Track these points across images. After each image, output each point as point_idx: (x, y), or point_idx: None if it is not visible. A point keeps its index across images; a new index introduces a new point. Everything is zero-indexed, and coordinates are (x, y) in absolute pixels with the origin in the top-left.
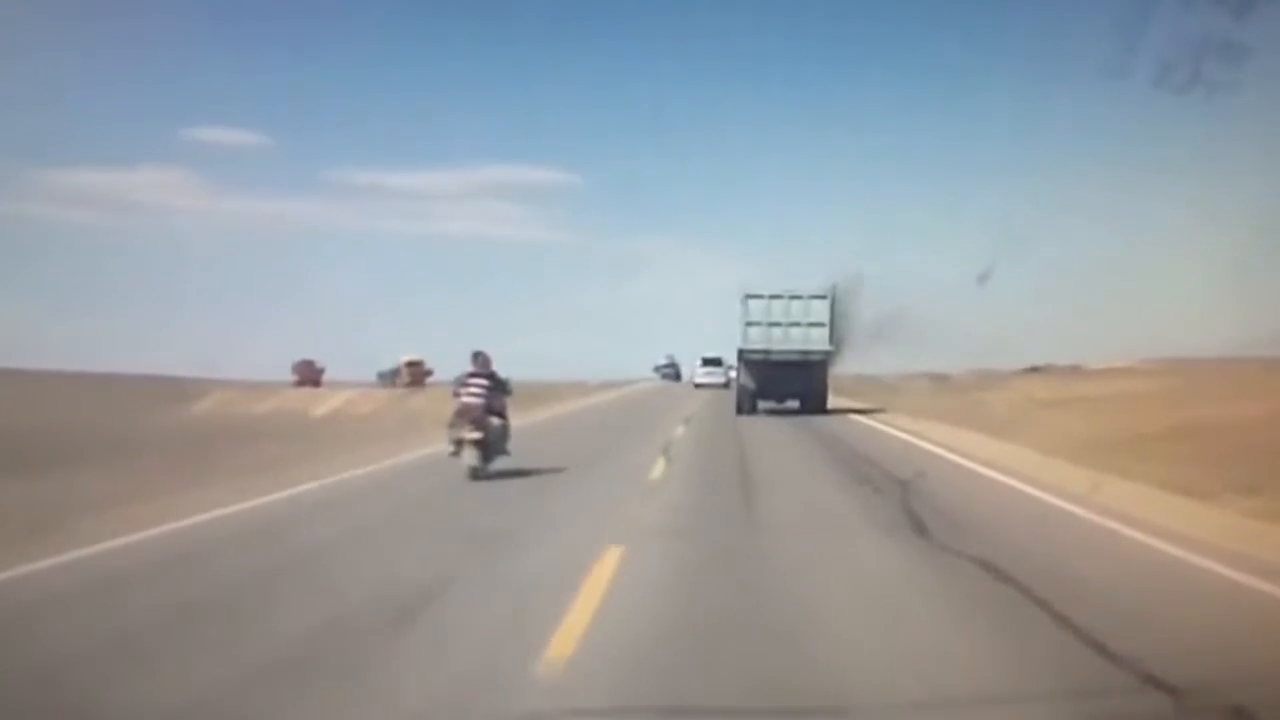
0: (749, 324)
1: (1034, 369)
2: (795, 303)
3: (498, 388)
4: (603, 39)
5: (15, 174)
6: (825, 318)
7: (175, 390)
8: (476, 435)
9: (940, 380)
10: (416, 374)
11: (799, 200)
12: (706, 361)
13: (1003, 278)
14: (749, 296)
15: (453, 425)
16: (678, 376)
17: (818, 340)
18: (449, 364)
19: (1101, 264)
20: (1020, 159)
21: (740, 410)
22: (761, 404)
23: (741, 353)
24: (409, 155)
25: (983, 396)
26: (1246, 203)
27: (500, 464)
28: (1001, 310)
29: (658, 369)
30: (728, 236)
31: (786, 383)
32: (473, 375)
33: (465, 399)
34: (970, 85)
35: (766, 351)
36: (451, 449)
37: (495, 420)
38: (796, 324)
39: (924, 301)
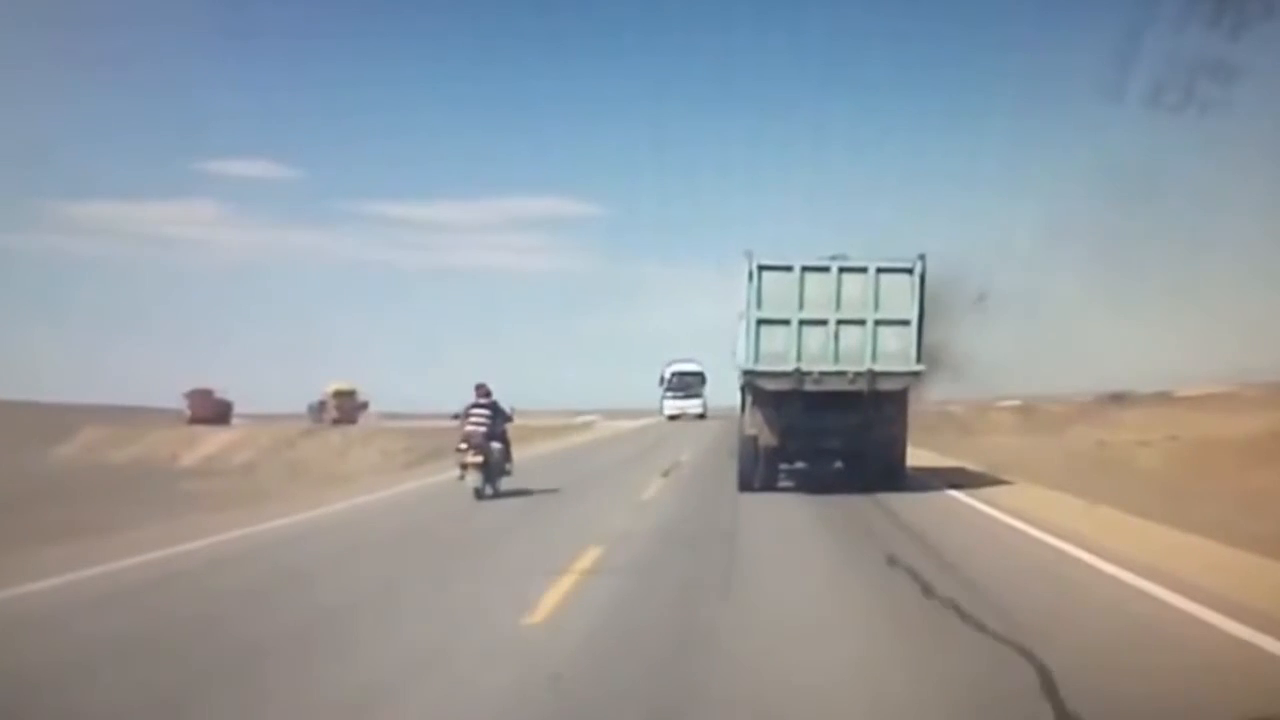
0: (761, 322)
1: (1116, 396)
2: (851, 280)
3: (498, 415)
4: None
5: (34, 206)
6: (911, 310)
7: (61, 427)
8: (478, 460)
9: (1025, 413)
10: (345, 407)
11: (809, 223)
12: (676, 378)
13: (1059, 295)
14: (763, 268)
15: (458, 451)
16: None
17: (897, 352)
18: (454, 395)
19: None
20: (1059, 173)
21: (747, 482)
22: (785, 466)
23: (748, 377)
24: (427, 187)
25: (1104, 439)
26: None
27: None
28: (1061, 331)
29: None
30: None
31: (832, 432)
32: (475, 405)
33: (468, 427)
34: (993, 107)
35: (797, 374)
36: (458, 473)
37: (496, 445)
38: (854, 321)
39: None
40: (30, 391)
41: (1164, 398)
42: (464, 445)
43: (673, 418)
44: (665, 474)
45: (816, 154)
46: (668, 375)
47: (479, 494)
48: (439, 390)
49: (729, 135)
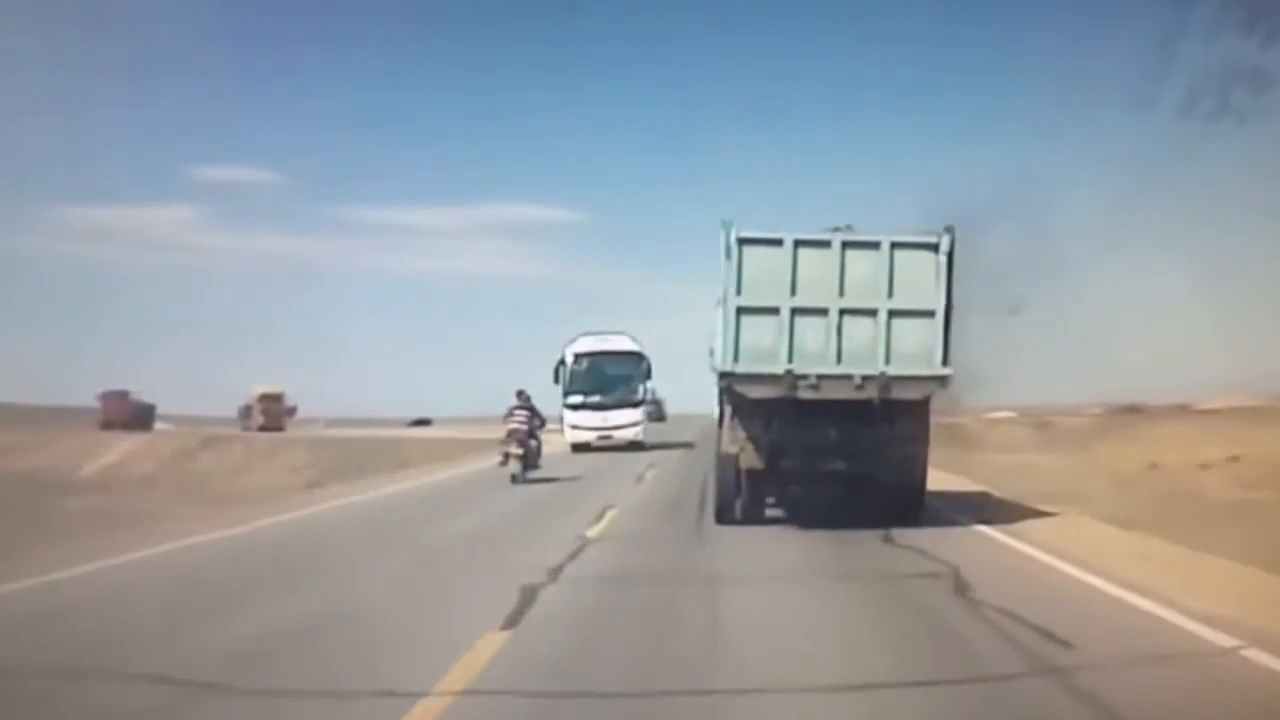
0: (743, 311)
1: (1133, 408)
2: (859, 259)
3: (535, 416)
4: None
5: (27, 209)
6: (936, 298)
7: None
8: (520, 452)
9: (1040, 426)
10: (272, 412)
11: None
12: (586, 369)
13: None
14: (745, 241)
15: (503, 443)
16: (661, 416)
17: (917, 352)
18: (420, 402)
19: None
20: (1079, 179)
21: (726, 512)
22: (772, 494)
23: (726, 381)
24: (417, 192)
25: (1153, 459)
26: None
27: None
28: (1064, 339)
29: None
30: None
31: (834, 451)
32: (517, 407)
33: (512, 425)
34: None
35: (789, 378)
36: (500, 459)
37: (533, 442)
38: (862, 311)
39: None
40: None
41: (1184, 410)
42: (508, 439)
43: (580, 448)
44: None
45: (797, 159)
46: (570, 362)
47: (515, 479)
48: (404, 397)
49: (711, 141)
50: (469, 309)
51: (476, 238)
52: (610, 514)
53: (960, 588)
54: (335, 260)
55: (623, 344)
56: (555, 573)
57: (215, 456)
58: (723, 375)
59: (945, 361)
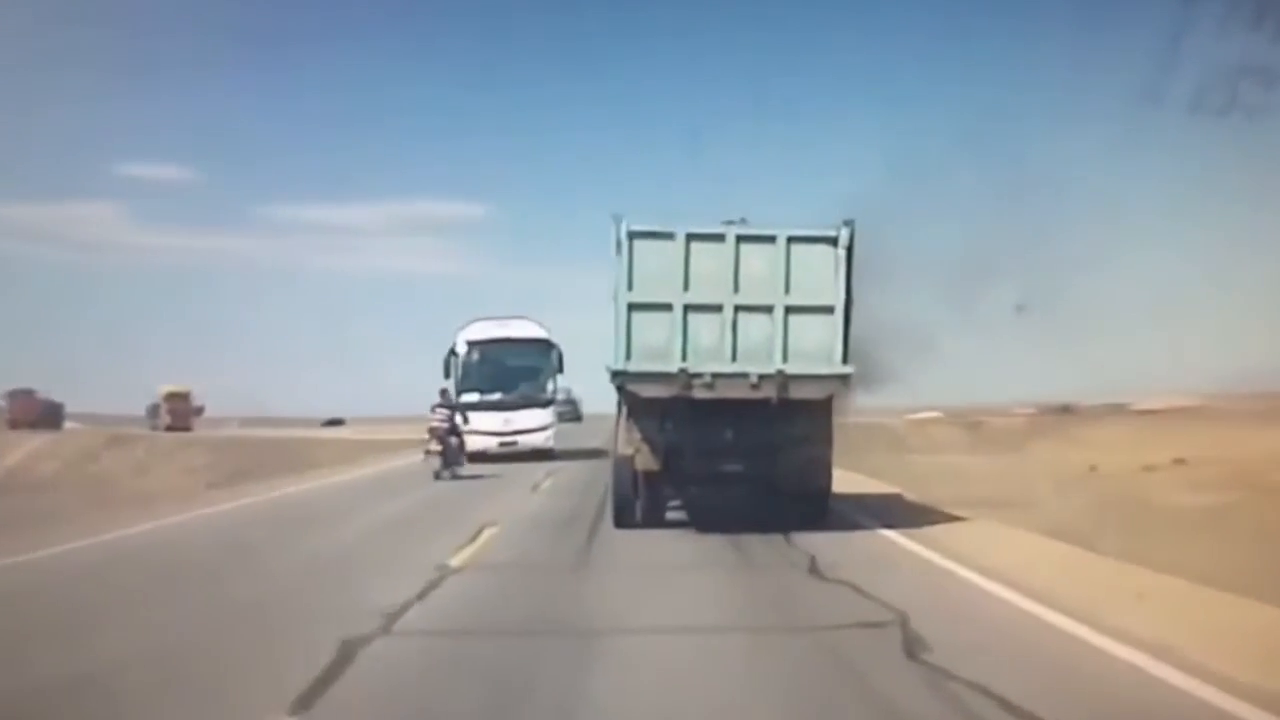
0: (634, 308)
1: (1065, 408)
2: (755, 253)
3: (457, 414)
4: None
5: None
6: (835, 294)
7: None
8: (439, 449)
9: (971, 427)
10: (179, 411)
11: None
12: (480, 359)
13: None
14: (635, 235)
15: (427, 440)
16: (577, 416)
17: (816, 350)
18: (362, 402)
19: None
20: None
21: (624, 515)
22: (671, 496)
23: (619, 380)
24: (336, 190)
25: (1092, 461)
26: None
27: None
28: (990, 338)
29: None
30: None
31: (732, 453)
32: (438, 405)
33: (433, 423)
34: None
35: (683, 377)
36: (423, 456)
37: (454, 439)
38: (758, 308)
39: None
40: None
41: (1119, 411)
42: (430, 436)
43: (475, 456)
44: None
45: (722, 154)
46: (463, 352)
47: (437, 475)
48: (320, 397)
49: (630, 135)
50: (386, 307)
51: (394, 235)
52: (487, 534)
53: (912, 646)
54: (254, 258)
55: (527, 330)
56: (389, 621)
57: (118, 457)
58: (615, 374)
59: (845, 359)
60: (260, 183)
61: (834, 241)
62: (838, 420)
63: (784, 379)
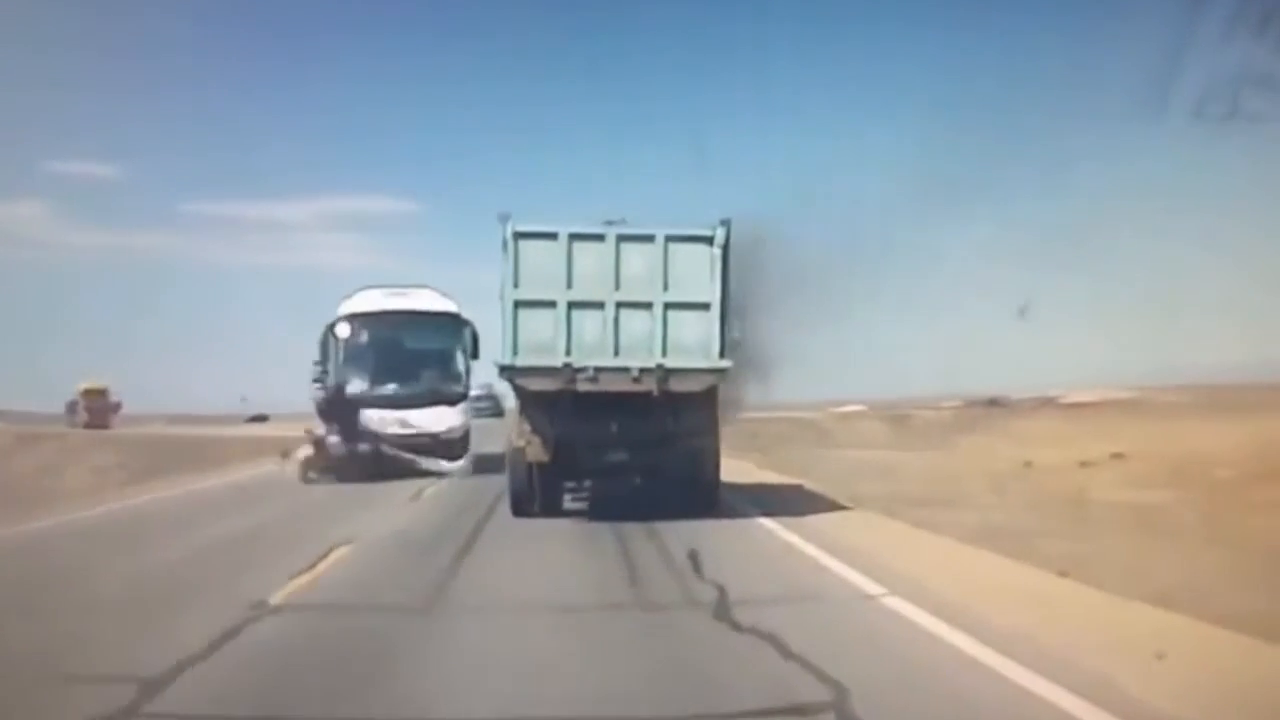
0: (520, 305)
1: (994, 401)
2: (634, 252)
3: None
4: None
5: None
6: (711, 291)
7: None
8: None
9: (896, 421)
10: (96, 408)
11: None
12: (361, 339)
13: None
14: (520, 235)
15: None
16: (499, 411)
17: (694, 344)
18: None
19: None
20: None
21: (521, 504)
22: (569, 483)
23: (507, 375)
24: (263, 186)
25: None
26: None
27: None
28: (915, 331)
29: (470, 401)
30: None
31: (618, 444)
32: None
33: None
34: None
35: (567, 371)
36: (280, 461)
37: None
38: (638, 305)
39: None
40: None
41: (1049, 404)
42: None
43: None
44: None
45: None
46: (344, 332)
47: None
48: (248, 393)
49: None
50: (313, 303)
51: (322, 231)
52: (336, 555)
53: None
54: (182, 255)
55: (430, 301)
56: (149, 691)
57: (26, 456)
58: (503, 369)
59: (723, 354)
60: (186, 179)
61: (710, 241)
62: (747, 416)
63: (664, 373)
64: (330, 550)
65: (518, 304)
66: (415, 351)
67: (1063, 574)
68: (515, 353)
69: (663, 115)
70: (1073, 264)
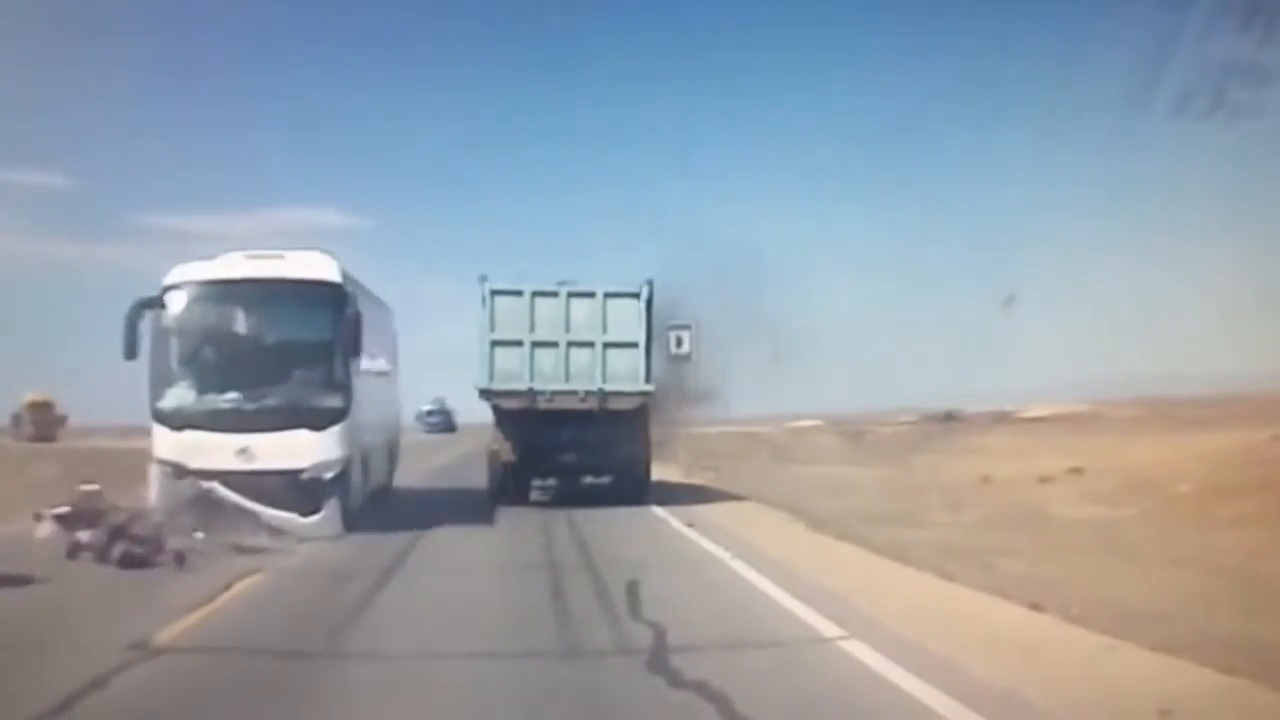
0: (495, 344)
1: (948, 416)
2: (580, 305)
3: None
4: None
5: None
6: (638, 333)
7: None
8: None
9: (852, 436)
10: (41, 421)
11: (578, 241)
12: (185, 374)
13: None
14: (496, 292)
15: None
16: (450, 426)
17: (626, 373)
18: None
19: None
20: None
21: (497, 495)
22: (537, 481)
23: (485, 396)
24: (211, 198)
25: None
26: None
27: None
28: (862, 346)
29: (421, 416)
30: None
31: (568, 448)
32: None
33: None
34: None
35: (530, 393)
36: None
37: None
38: (583, 343)
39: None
40: None
41: (1004, 418)
42: None
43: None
44: None
45: (583, 174)
46: (175, 307)
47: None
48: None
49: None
50: None
51: (272, 244)
52: (241, 586)
53: None
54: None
55: (297, 267)
56: None
57: None
58: (482, 392)
59: (648, 380)
60: (133, 191)
61: (637, 296)
62: (701, 430)
63: (603, 394)
64: (243, 578)
65: (494, 343)
66: (270, 345)
67: (1035, 607)
68: (492, 379)
69: (618, 126)
70: (1028, 278)
